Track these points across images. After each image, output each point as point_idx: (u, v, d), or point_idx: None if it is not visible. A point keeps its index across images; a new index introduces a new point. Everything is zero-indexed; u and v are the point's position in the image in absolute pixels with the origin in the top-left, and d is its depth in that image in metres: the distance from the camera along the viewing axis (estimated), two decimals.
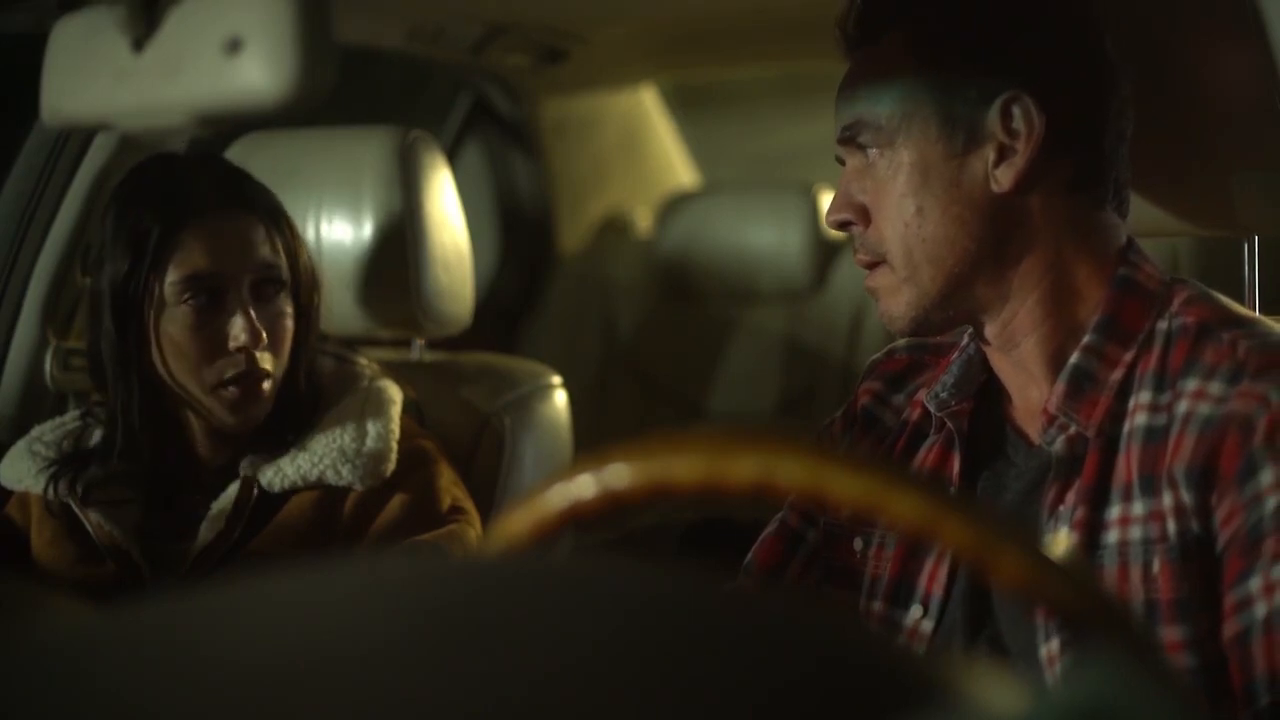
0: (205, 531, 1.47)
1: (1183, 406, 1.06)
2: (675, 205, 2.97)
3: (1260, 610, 1.00)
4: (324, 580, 0.48)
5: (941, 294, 1.14)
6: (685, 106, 3.35)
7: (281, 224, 1.53)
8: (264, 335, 1.46)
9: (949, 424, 1.18)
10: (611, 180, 3.10)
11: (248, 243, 1.49)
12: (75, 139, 1.85)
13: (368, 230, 1.70)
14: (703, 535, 2.05)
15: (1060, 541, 1.06)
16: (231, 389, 1.47)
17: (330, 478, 1.47)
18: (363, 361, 1.62)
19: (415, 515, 1.49)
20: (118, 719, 0.40)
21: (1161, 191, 1.25)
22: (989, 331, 1.16)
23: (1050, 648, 1.07)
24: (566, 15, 2.40)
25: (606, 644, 0.42)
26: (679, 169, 3.25)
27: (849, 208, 1.17)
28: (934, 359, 1.26)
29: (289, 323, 1.51)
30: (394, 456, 1.51)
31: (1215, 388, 1.05)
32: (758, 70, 3.48)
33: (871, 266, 1.17)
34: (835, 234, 2.86)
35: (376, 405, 1.53)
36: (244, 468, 1.50)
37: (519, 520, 0.71)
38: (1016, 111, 1.11)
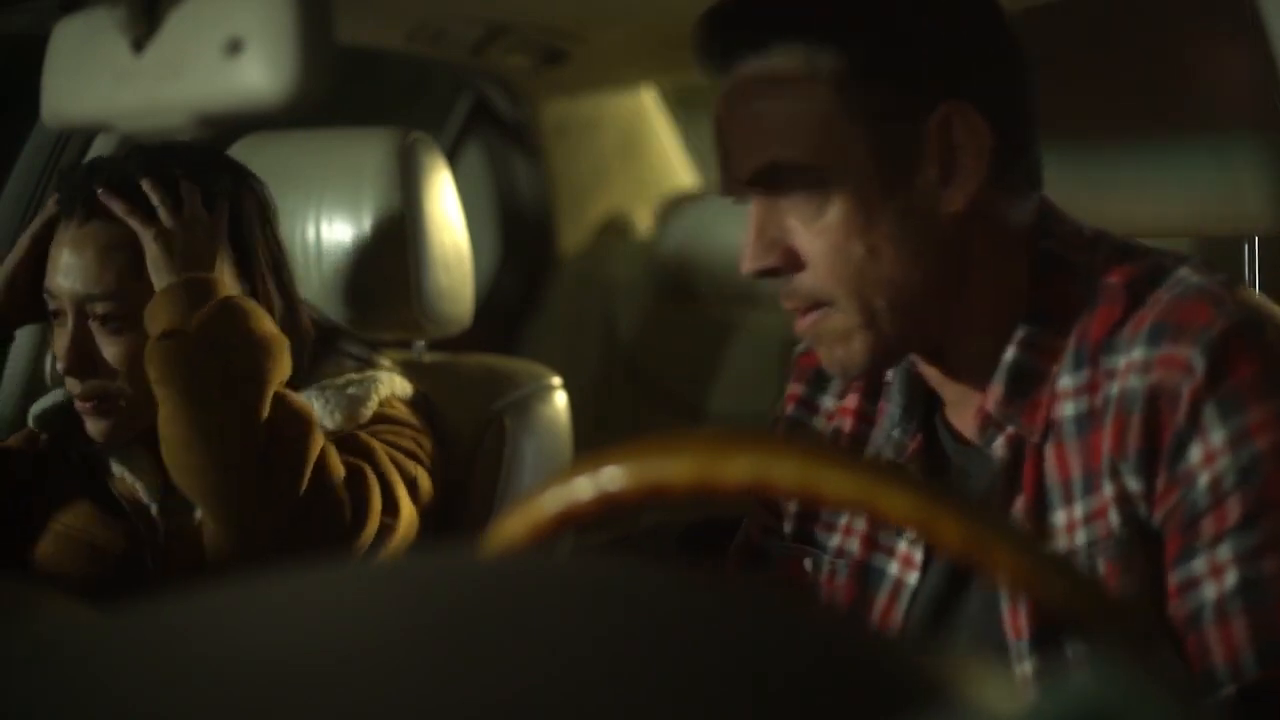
0: None
1: (1115, 387, 1.00)
2: (676, 207, 2.97)
3: (1210, 592, 0.97)
4: (324, 580, 0.48)
5: (902, 333, 1.04)
6: (686, 108, 3.35)
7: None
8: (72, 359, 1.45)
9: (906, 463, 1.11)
10: (612, 182, 3.10)
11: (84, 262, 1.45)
12: (76, 140, 1.85)
13: (368, 231, 1.70)
14: (703, 535, 2.05)
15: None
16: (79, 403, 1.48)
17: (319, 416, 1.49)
18: (385, 362, 1.62)
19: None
20: (118, 719, 0.40)
21: (1162, 191, 1.25)
22: (945, 357, 1.08)
23: (1023, 670, 1.04)
24: (566, 15, 2.40)
25: (606, 644, 0.42)
26: (680, 171, 3.25)
27: (774, 253, 1.04)
28: None
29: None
30: (373, 403, 1.52)
31: (1138, 353, 0.99)
32: None
33: (805, 310, 1.05)
34: None
35: (365, 374, 1.56)
36: None
37: (517, 523, 0.71)
38: (957, 124, 1.01)
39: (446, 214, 1.74)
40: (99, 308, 1.44)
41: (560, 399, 1.79)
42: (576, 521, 0.70)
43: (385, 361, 1.63)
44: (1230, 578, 0.96)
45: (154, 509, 1.51)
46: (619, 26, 2.51)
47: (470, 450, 1.68)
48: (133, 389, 1.45)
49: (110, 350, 1.45)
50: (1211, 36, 1.22)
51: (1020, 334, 1.04)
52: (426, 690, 0.39)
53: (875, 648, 0.46)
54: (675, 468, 0.68)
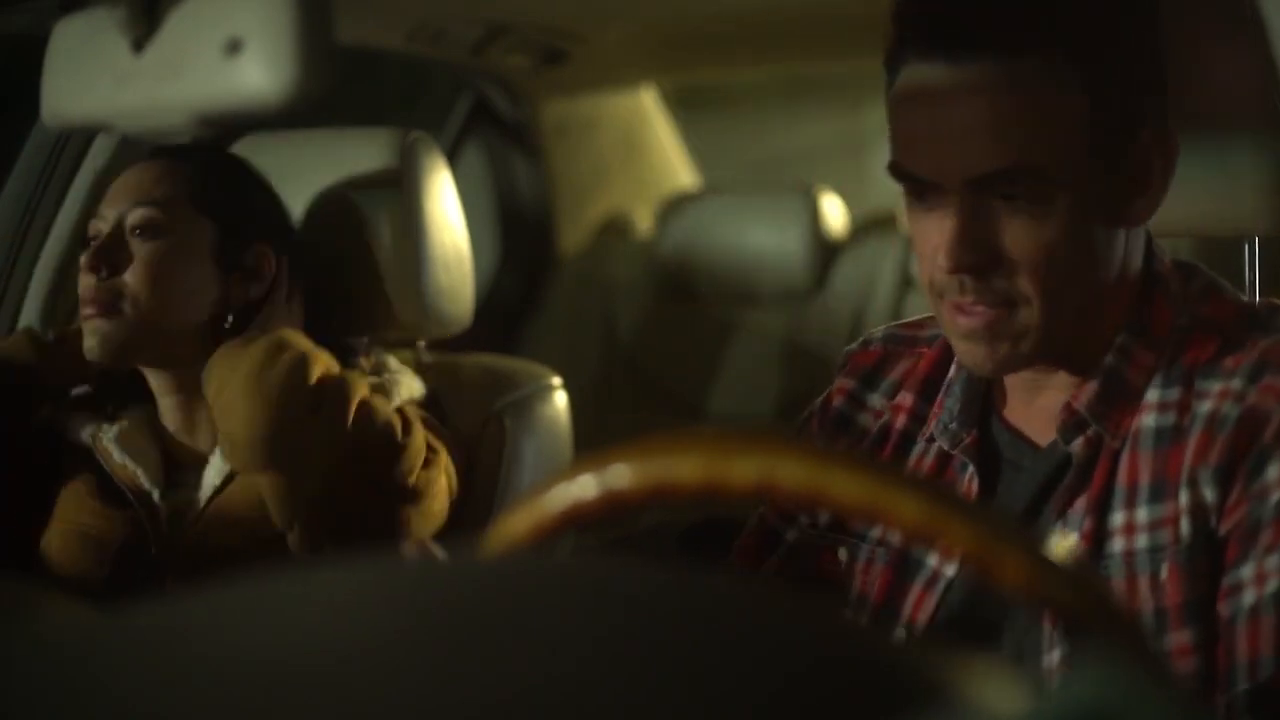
0: (210, 475, 1.52)
1: (1206, 406, 1.04)
2: (675, 206, 2.97)
3: (1248, 597, 1.00)
4: (324, 580, 0.48)
5: (1063, 335, 1.06)
6: (685, 108, 3.35)
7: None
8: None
9: (960, 455, 1.13)
10: (612, 181, 3.10)
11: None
12: (76, 140, 1.85)
13: (368, 231, 1.70)
14: (703, 535, 2.05)
15: (1063, 543, 1.06)
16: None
17: None
18: (393, 362, 1.63)
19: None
20: (118, 719, 0.40)
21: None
22: (1054, 360, 1.10)
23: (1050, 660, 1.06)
24: (566, 15, 2.40)
25: (606, 644, 0.42)
26: (680, 171, 3.25)
27: (979, 252, 1.03)
28: (909, 349, 1.22)
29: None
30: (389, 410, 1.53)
31: (1237, 384, 1.04)
32: (758, 72, 3.48)
33: (987, 308, 1.05)
34: (836, 235, 2.87)
35: (382, 377, 1.58)
36: None
37: (519, 520, 0.71)
38: (1159, 142, 1.06)
39: (446, 214, 1.74)
40: (137, 215, 1.49)
41: (560, 399, 1.79)
42: (581, 520, 0.69)
43: (393, 362, 1.63)
44: (1271, 585, 0.99)
45: (156, 495, 1.51)
46: (619, 26, 2.52)
47: (470, 450, 1.68)
48: (147, 297, 1.48)
49: (138, 251, 1.48)
50: (1211, 36, 1.22)
51: (1119, 342, 1.09)
52: (426, 690, 0.39)
53: (875, 648, 0.46)
54: (682, 467, 0.67)
